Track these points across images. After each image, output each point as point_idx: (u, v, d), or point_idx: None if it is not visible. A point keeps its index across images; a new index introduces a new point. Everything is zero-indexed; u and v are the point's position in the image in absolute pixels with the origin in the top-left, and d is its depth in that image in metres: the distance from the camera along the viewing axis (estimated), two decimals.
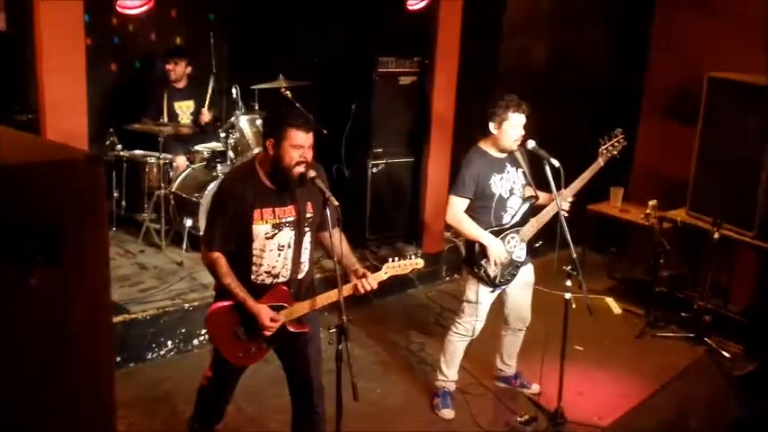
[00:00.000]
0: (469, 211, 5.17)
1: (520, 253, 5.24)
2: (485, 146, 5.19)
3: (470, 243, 5.21)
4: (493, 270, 5.15)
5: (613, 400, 5.62)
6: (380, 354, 6.21)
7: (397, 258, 4.24)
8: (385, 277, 4.19)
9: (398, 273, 4.23)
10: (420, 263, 4.29)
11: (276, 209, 4.00)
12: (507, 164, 5.21)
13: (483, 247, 5.10)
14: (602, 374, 6.01)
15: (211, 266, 4.06)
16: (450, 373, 5.47)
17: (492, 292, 5.29)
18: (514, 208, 5.22)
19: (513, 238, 5.20)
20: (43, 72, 5.37)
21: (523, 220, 5.23)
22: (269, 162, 3.99)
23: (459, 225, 5.20)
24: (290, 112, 4.08)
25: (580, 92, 8.16)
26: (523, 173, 5.26)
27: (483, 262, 5.13)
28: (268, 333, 4.02)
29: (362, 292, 4.08)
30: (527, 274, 5.42)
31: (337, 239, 4.02)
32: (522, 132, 5.07)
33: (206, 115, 7.67)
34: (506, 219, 5.21)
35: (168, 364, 5.80)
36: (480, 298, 5.23)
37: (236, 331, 4.06)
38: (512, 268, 5.24)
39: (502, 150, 5.16)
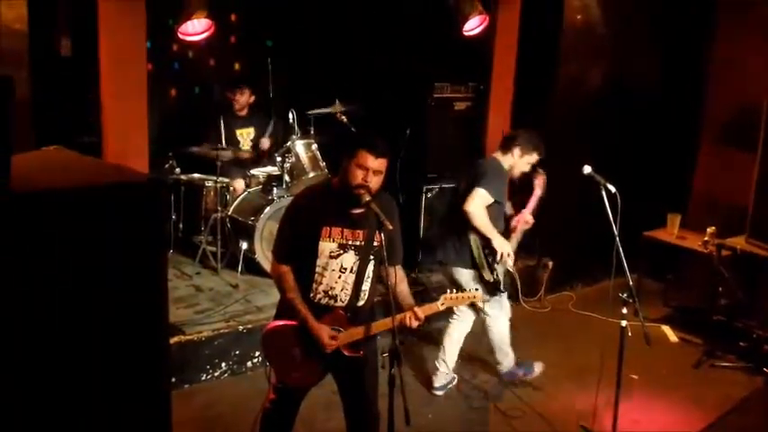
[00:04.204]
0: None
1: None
2: (504, 162, 5.56)
3: (484, 247, 5.42)
4: (500, 274, 5.47)
5: (669, 430, 5.53)
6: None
7: (455, 290, 4.22)
8: (442, 308, 4.16)
9: (456, 305, 4.22)
10: (479, 295, 4.27)
11: (345, 230, 4.00)
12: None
13: (492, 249, 5.37)
14: (658, 404, 5.91)
15: (278, 280, 4.08)
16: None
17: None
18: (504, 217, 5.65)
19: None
20: (105, 96, 5.49)
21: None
22: (339, 180, 4.03)
23: (477, 218, 5.36)
24: (368, 135, 4.09)
25: (637, 117, 8.08)
26: None
27: (496, 265, 5.42)
28: (327, 351, 4.02)
29: (409, 326, 4.05)
30: None
31: (392, 272, 4.01)
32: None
33: (265, 144, 7.85)
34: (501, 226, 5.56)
35: (222, 386, 5.84)
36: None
37: (290, 351, 4.06)
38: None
39: (509, 170, 5.59)
